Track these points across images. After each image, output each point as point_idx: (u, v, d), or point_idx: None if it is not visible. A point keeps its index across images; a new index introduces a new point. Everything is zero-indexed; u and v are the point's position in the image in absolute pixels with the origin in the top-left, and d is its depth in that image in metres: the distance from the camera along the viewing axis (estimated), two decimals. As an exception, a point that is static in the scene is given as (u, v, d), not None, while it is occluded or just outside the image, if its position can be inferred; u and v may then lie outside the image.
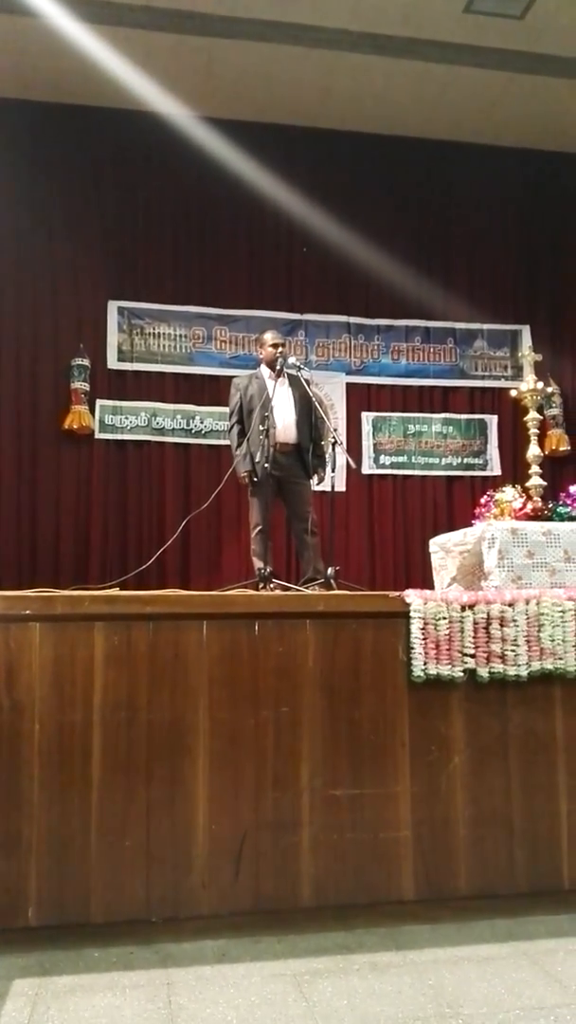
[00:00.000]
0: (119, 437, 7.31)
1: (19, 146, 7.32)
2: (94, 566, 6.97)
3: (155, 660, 3.22)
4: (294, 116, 7.58)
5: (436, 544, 5.19)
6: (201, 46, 6.72)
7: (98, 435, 7.24)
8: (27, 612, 3.18)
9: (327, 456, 5.12)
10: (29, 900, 3.02)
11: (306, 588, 4.72)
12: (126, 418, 7.33)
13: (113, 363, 7.41)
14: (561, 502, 4.99)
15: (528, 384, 5.36)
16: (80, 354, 7.21)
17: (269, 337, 5.46)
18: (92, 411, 7.22)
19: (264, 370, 5.39)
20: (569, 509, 4.88)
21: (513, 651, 3.44)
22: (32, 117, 7.34)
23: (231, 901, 3.14)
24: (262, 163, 7.35)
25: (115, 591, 3.93)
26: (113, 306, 7.45)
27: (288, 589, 4.70)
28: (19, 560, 6.95)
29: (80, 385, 7.16)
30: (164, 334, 7.53)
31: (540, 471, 5.23)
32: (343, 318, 7.86)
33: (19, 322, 7.24)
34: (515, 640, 3.46)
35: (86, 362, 7.21)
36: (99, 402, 7.28)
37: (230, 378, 5.77)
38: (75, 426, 7.11)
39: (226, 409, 5.59)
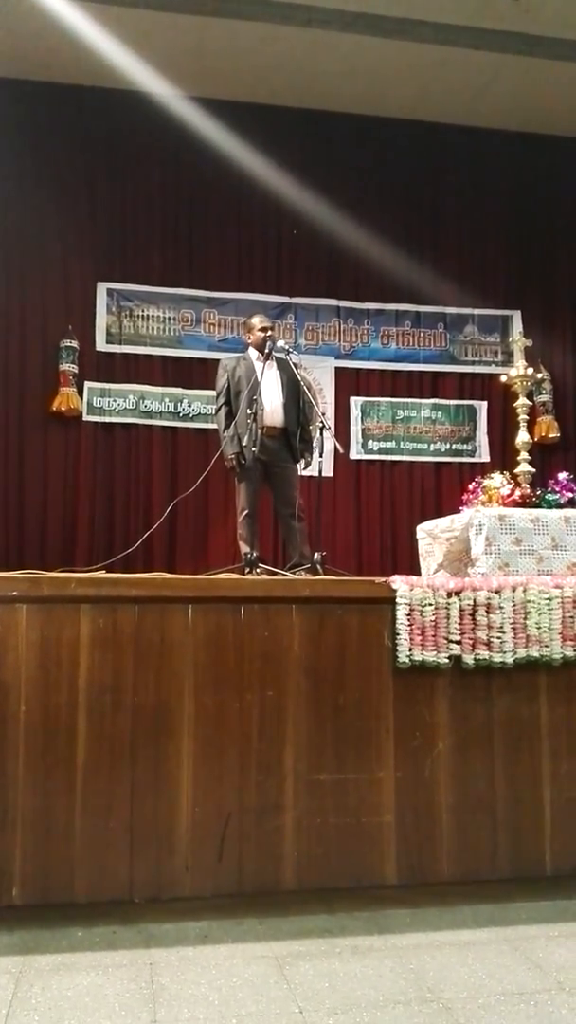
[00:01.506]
0: (107, 420, 7.27)
1: (8, 126, 7.22)
2: (81, 548, 6.95)
3: (140, 643, 3.22)
4: (286, 97, 7.51)
5: (423, 530, 5.20)
6: (192, 26, 6.63)
7: (86, 417, 7.21)
8: (14, 594, 3.18)
9: (314, 441, 5.11)
10: (13, 879, 3.04)
11: (292, 573, 4.72)
12: (114, 401, 7.29)
13: (102, 345, 7.36)
14: (550, 489, 5.01)
15: (518, 370, 5.37)
16: (69, 336, 7.16)
17: (257, 321, 5.43)
18: (80, 393, 7.18)
19: (252, 353, 5.36)
20: (557, 496, 4.90)
21: (499, 638, 3.45)
22: (22, 97, 7.25)
23: (214, 883, 3.16)
24: (253, 144, 7.28)
25: (101, 574, 3.91)
26: (102, 288, 7.40)
27: (274, 574, 4.69)
28: (6, 541, 6.93)
29: (68, 367, 7.11)
30: (153, 316, 7.49)
31: (529, 458, 5.25)
32: (333, 302, 7.82)
33: (8, 303, 7.19)
34: (501, 627, 3.47)
35: (75, 344, 7.17)
36: (87, 384, 7.24)
37: (219, 361, 5.74)
38: (63, 408, 7.08)
39: (214, 392, 5.55)
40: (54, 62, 6.96)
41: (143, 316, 7.47)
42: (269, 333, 5.32)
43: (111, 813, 3.12)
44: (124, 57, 6.68)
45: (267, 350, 5.23)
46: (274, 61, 7.07)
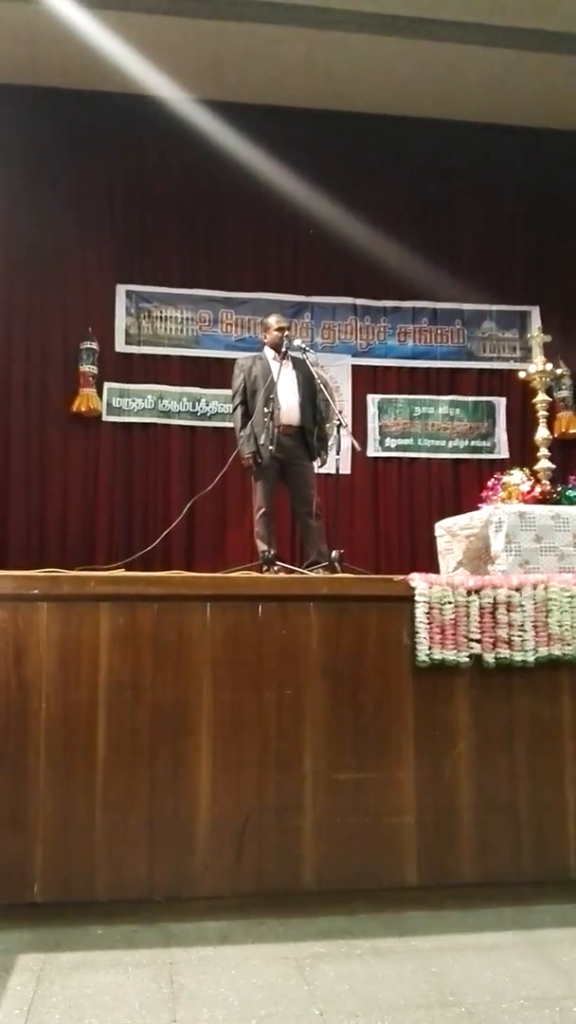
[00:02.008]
0: (126, 420, 7.31)
1: (28, 132, 7.32)
2: (100, 547, 6.99)
3: (159, 641, 3.22)
4: (301, 98, 7.50)
5: (442, 528, 5.17)
6: (209, 30, 6.65)
7: (105, 418, 7.25)
8: (35, 592, 3.19)
9: (331, 439, 5.09)
10: (35, 876, 3.05)
11: (310, 571, 4.71)
12: (133, 401, 7.32)
13: (121, 346, 7.40)
14: (570, 485, 4.95)
15: (537, 366, 5.31)
16: (88, 338, 7.20)
17: (273, 320, 5.42)
18: (100, 394, 7.23)
19: (268, 352, 5.36)
20: (578, 493, 4.85)
21: (520, 636, 3.42)
22: (41, 103, 7.31)
23: (233, 883, 3.15)
24: (269, 146, 7.28)
25: (120, 572, 3.92)
26: (121, 290, 7.43)
27: (292, 572, 4.68)
28: (27, 540, 6.97)
29: (88, 368, 7.16)
30: (171, 317, 7.51)
31: (549, 454, 5.19)
32: (349, 300, 7.80)
33: (29, 306, 7.25)
34: (522, 625, 3.43)
35: (94, 345, 7.21)
36: (107, 385, 7.28)
37: (236, 360, 5.73)
38: (83, 409, 7.12)
39: (231, 392, 5.55)
40: (73, 69, 7.01)
41: (161, 317, 7.49)
42: (286, 332, 5.31)
43: (130, 811, 3.12)
44: (141, 63, 6.72)
45: (283, 349, 5.23)
46: (290, 63, 7.06)
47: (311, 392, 5.24)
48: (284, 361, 5.23)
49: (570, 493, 4.83)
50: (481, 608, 3.43)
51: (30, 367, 7.21)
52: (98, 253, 7.42)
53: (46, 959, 2.78)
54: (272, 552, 4.91)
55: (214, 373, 7.45)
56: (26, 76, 7.14)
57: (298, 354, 5.30)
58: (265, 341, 5.47)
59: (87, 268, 7.39)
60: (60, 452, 7.17)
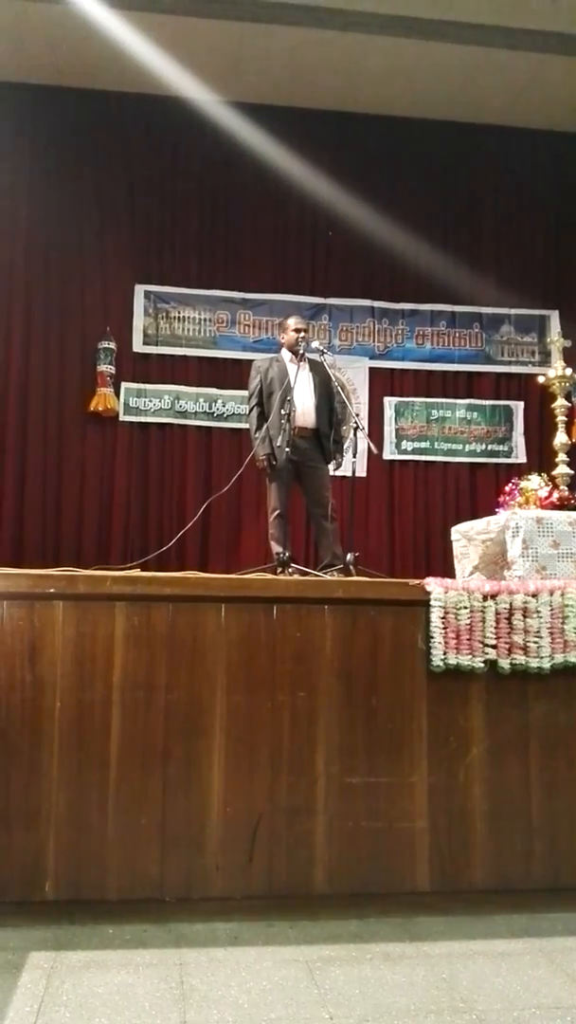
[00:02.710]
0: (143, 420, 7.32)
1: (49, 132, 7.36)
2: (116, 547, 7.00)
3: (174, 641, 3.23)
4: (322, 100, 7.50)
5: (458, 532, 5.15)
6: (230, 31, 6.65)
7: (123, 417, 7.26)
8: (51, 590, 3.21)
9: (347, 441, 5.08)
10: (47, 874, 3.06)
11: (324, 574, 4.70)
12: (150, 401, 7.33)
13: (138, 346, 7.41)
14: (588, 492, 4.92)
15: (556, 370, 5.29)
16: (106, 337, 7.22)
17: (292, 322, 5.42)
18: (117, 394, 7.24)
19: (285, 354, 5.35)
20: (596, 499, 4.82)
21: (536, 643, 3.40)
22: (62, 103, 7.34)
23: (244, 884, 3.15)
24: (289, 147, 7.29)
25: (136, 572, 3.92)
26: (139, 290, 7.44)
27: (307, 574, 4.67)
28: (43, 540, 7.00)
29: (106, 368, 7.18)
30: (189, 318, 7.52)
31: (567, 459, 5.16)
32: (367, 302, 7.78)
33: (48, 305, 7.27)
34: (538, 631, 3.42)
35: (112, 345, 7.23)
36: (124, 385, 7.29)
37: (252, 362, 5.73)
38: (100, 408, 7.14)
39: (247, 393, 5.55)
40: (94, 69, 7.04)
41: (179, 317, 7.50)
42: (303, 335, 5.30)
43: (143, 811, 3.12)
44: (163, 63, 6.73)
45: (301, 351, 5.23)
46: (311, 65, 7.06)
47: (328, 395, 5.23)
48: (301, 363, 5.23)
49: (588, 499, 4.79)
50: (497, 613, 3.42)
51: (48, 366, 7.23)
52: (117, 253, 7.44)
53: (57, 957, 2.79)
54: (287, 554, 4.90)
55: (231, 374, 7.46)
56: (48, 76, 7.18)
57: (315, 356, 5.29)
58: (283, 342, 5.47)
59: (106, 268, 7.41)
60: (77, 452, 7.19)
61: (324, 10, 6.39)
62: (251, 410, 5.32)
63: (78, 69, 7.07)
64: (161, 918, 3.06)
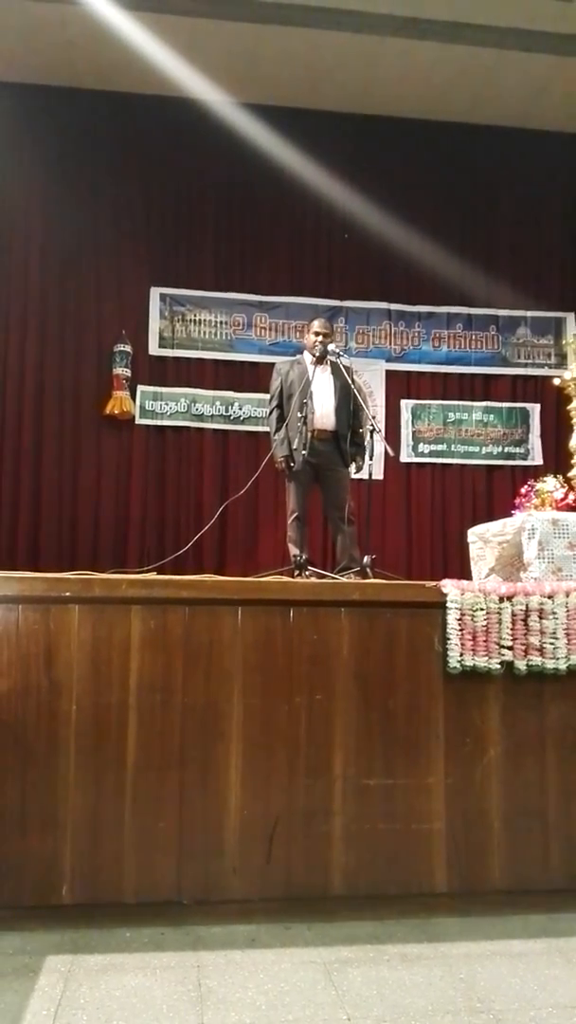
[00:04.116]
0: (159, 423, 7.36)
1: (65, 134, 7.41)
2: (132, 550, 7.04)
3: (190, 644, 3.23)
4: (338, 102, 7.52)
5: (474, 534, 5.14)
6: (245, 33, 6.68)
7: (139, 421, 7.31)
8: (67, 594, 3.21)
9: (365, 444, 5.09)
10: (64, 878, 3.06)
11: (341, 576, 4.70)
12: (166, 404, 7.36)
13: (154, 349, 7.45)
14: (604, 493, 4.89)
15: (572, 372, 5.26)
16: (123, 340, 7.27)
17: (314, 325, 5.44)
18: (133, 397, 7.28)
19: (307, 356, 5.37)
20: (612, 501, 4.79)
21: (552, 644, 3.39)
22: (78, 105, 7.39)
23: (262, 886, 3.15)
24: (305, 149, 7.31)
25: (152, 575, 3.94)
26: (155, 293, 7.48)
27: (323, 577, 4.68)
28: (60, 543, 7.04)
29: (122, 371, 7.22)
30: (205, 321, 7.55)
31: (583, 461, 5.14)
32: (384, 305, 7.80)
33: (64, 308, 7.33)
34: (554, 633, 3.40)
35: (128, 348, 7.27)
36: (140, 388, 7.33)
37: (269, 365, 5.76)
38: (116, 411, 7.18)
39: (265, 396, 5.58)
40: (110, 71, 7.08)
41: (195, 320, 7.53)
42: (321, 338, 5.31)
43: (160, 814, 3.13)
44: (178, 65, 6.77)
45: (318, 353, 5.25)
46: (326, 66, 7.08)
47: (347, 398, 5.23)
48: (322, 366, 5.25)
49: (604, 501, 4.77)
50: (513, 615, 3.41)
51: (64, 369, 7.28)
52: (133, 256, 7.48)
53: (74, 961, 2.79)
54: (304, 557, 4.91)
55: (247, 377, 7.49)
56: (64, 78, 7.23)
57: (333, 359, 5.30)
58: (305, 345, 5.50)
59: (122, 271, 7.46)
60: (93, 455, 7.23)
61: (339, 12, 6.41)
62: (271, 412, 5.35)
63: (93, 71, 7.12)
64: (178, 921, 3.06)
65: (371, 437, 4.95)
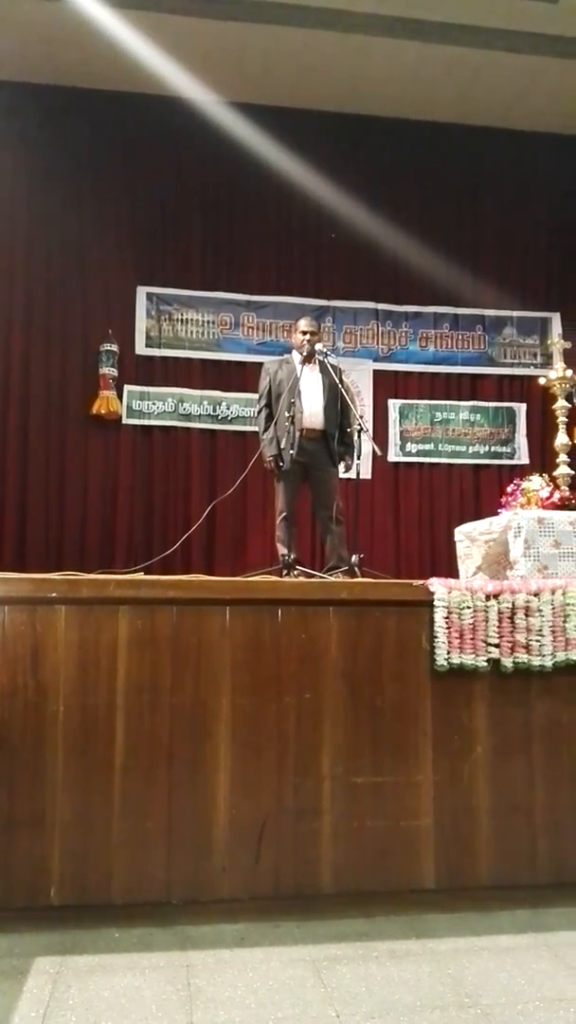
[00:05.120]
0: (146, 423, 7.33)
1: (50, 131, 7.36)
2: (120, 550, 7.01)
3: (178, 644, 3.23)
4: (325, 101, 7.53)
5: (461, 533, 5.16)
6: (232, 31, 6.67)
7: (126, 420, 7.27)
8: (53, 595, 3.20)
9: (353, 443, 5.09)
10: (52, 879, 3.05)
11: (330, 575, 4.71)
12: (153, 404, 7.35)
13: (141, 349, 7.43)
14: (589, 491, 4.93)
15: (557, 372, 5.31)
16: (109, 340, 7.23)
17: (301, 324, 5.44)
18: (120, 396, 7.25)
19: (295, 355, 5.38)
20: (597, 499, 4.82)
21: (538, 641, 3.41)
22: (63, 102, 7.35)
23: (251, 885, 3.16)
24: (292, 149, 7.31)
25: (140, 575, 3.94)
26: (142, 292, 7.46)
27: (312, 576, 4.69)
28: (46, 543, 7.00)
29: (108, 371, 7.19)
30: (192, 320, 7.53)
31: (568, 460, 5.17)
32: (371, 305, 7.81)
33: (49, 307, 7.29)
34: (540, 630, 3.43)
35: (115, 348, 7.23)
36: (127, 387, 7.30)
37: (257, 364, 5.76)
38: (103, 411, 7.15)
39: (252, 395, 5.58)
40: (95, 69, 7.05)
41: (182, 320, 7.51)
42: (308, 337, 5.31)
43: (148, 814, 3.13)
44: (165, 63, 6.75)
45: (305, 353, 5.25)
46: (314, 66, 7.09)
47: (335, 397, 5.24)
48: (310, 365, 5.25)
49: (589, 499, 4.80)
50: (500, 613, 3.43)
51: (50, 369, 7.24)
52: (119, 255, 7.45)
53: (62, 962, 2.79)
54: (292, 556, 4.91)
55: (235, 376, 7.48)
56: (47, 75, 7.19)
57: (321, 358, 5.31)
58: (293, 344, 5.50)
59: (108, 270, 7.42)
60: (80, 455, 7.20)
61: (327, 12, 6.42)
62: (259, 411, 5.35)
63: (80, 69, 7.08)
64: (167, 921, 3.06)
65: (359, 436, 4.96)
